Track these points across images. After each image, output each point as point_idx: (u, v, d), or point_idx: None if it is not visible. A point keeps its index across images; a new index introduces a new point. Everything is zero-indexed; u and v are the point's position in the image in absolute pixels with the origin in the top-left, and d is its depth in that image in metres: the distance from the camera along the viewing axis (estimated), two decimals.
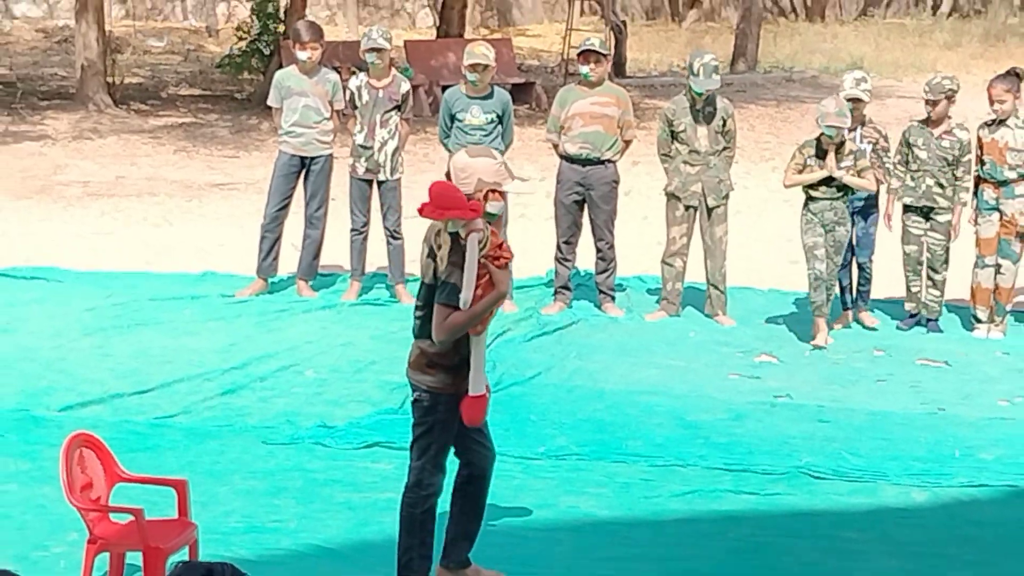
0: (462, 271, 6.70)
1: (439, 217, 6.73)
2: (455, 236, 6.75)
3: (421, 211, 6.80)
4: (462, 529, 7.29)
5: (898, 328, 12.11)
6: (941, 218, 11.77)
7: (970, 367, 11.26)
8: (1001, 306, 11.87)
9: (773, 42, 30.69)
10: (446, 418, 7.01)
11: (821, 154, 10.93)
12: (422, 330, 6.97)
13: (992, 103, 11.69)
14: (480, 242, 6.70)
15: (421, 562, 7.17)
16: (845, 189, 10.99)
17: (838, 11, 37.53)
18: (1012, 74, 11.90)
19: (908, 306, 12.22)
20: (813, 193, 11.05)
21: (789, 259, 13.09)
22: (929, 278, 11.99)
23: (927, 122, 11.85)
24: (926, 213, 11.82)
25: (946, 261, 11.88)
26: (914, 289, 12.14)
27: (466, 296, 6.68)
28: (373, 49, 12.16)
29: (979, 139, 11.81)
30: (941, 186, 11.68)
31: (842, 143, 10.89)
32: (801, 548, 7.98)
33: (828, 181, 10.90)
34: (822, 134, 10.91)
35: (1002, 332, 11.91)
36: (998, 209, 11.58)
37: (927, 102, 11.81)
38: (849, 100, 11.32)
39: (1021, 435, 9.77)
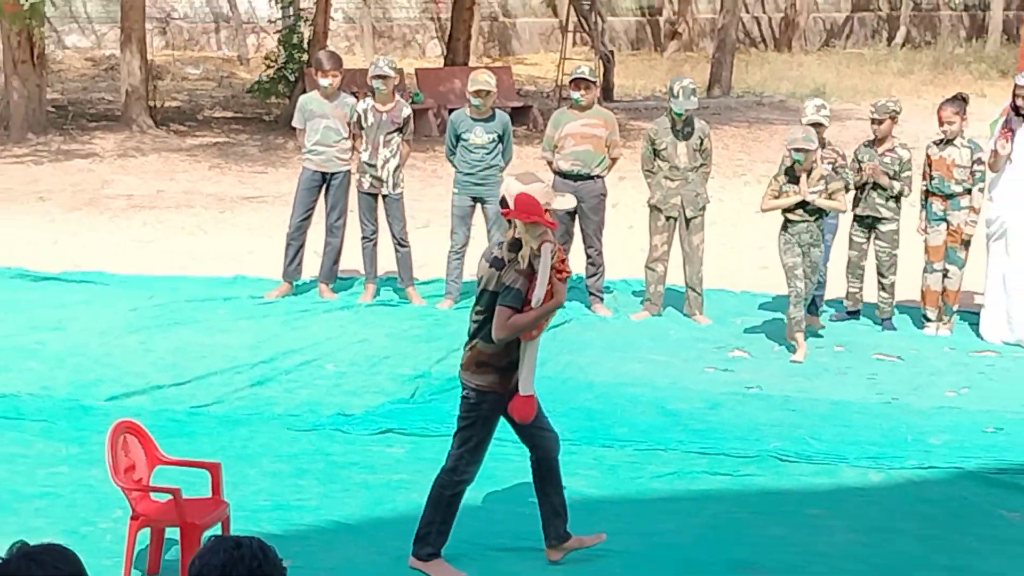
0: (526, 279, 6.78)
1: (524, 219, 6.79)
2: (518, 246, 6.81)
3: (506, 214, 6.90)
4: (551, 507, 7.32)
5: (831, 319, 12.13)
6: (885, 227, 11.78)
7: (921, 361, 11.27)
8: (948, 307, 11.88)
9: (745, 70, 30.66)
10: (489, 415, 7.10)
11: (794, 180, 10.71)
12: (478, 332, 7.03)
13: (941, 124, 11.69)
14: (551, 253, 6.76)
15: (438, 537, 7.22)
16: (819, 212, 10.80)
17: (803, 42, 37.44)
18: (959, 98, 11.91)
19: (847, 303, 12.26)
20: (790, 217, 10.80)
21: (759, 265, 13.10)
22: (879, 283, 12.00)
23: (873, 141, 11.88)
24: (871, 224, 11.83)
25: (893, 266, 11.89)
26: (853, 290, 12.17)
27: (539, 295, 6.76)
28: (379, 76, 12.17)
29: (928, 157, 11.80)
30: (884, 199, 11.70)
31: (812, 169, 10.67)
32: (770, 523, 8.01)
33: (802, 205, 10.69)
34: (794, 161, 10.69)
35: (949, 330, 11.91)
36: (945, 220, 11.59)
37: (873, 121, 11.84)
38: (811, 125, 11.21)
39: (966, 422, 9.80)
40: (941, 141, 11.69)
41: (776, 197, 10.82)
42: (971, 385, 10.71)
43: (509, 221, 6.99)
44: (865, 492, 8.54)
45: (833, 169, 11.26)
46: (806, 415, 9.85)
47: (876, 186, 11.68)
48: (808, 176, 10.57)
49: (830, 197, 10.74)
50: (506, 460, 8.83)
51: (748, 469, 8.81)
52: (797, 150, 10.52)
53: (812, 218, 10.75)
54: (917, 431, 9.54)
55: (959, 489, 8.59)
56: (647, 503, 8.30)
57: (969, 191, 11.55)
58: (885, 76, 30.61)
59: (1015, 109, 11.64)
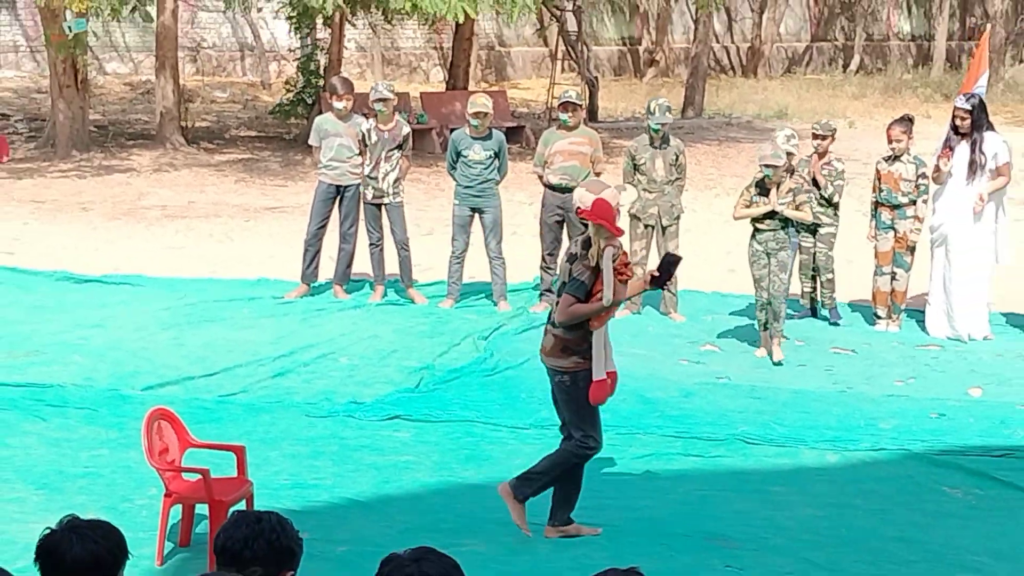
0: (592, 273, 6.90)
1: (596, 221, 6.88)
2: (588, 244, 6.96)
3: (581, 213, 7.03)
4: (563, 494, 7.32)
5: (790, 318, 12.15)
6: (824, 231, 11.78)
7: (872, 355, 11.27)
8: (897, 306, 11.89)
9: (716, 94, 30.64)
10: (585, 394, 7.12)
11: (764, 192, 10.59)
12: (563, 325, 7.10)
13: (890, 142, 11.70)
14: (613, 256, 6.85)
15: (576, 501, 7.32)
16: (787, 221, 10.66)
17: (767, 69, 37.41)
18: (906, 119, 11.94)
19: (802, 302, 12.28)
20: (759, 226, 10.61)
21: (728, 269, 13.10)
22: (821, 280, 12.04)
23: (812, 155, 11.91)
24: (814, 230, 11.83)
25: (830, 264, 11.87)
26: (807, 289, 12.21)
27: (608, 295, 6.84)
28: (380, 99, 12.16)
29: (878, 171, 11.81)
30: (823, 207, 11.72)
31: (781, 182, 10.49)
32: (737, 499, 8.03)
33: (771, 215, 10.54)
34: (764, 176, 10.58)
35: (898, 327, 11.92)
36: (893, 228, 11.60)
37: (815, 136, 11.82)
38: (789, 154, 11.04)
39: (913, 409, 9.80)
40: (890, 157, 11.70)
41: (747, 207, 10.70)
42: (917, 376, 10.75)
43: (584, 223, 7.15)
44: (822, 471, 8.57)
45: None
46: (770, 402, 9.85)
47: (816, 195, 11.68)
48: (777, 189, 10.44)
49: (797, 208, 10.59)
50: (501, 443, 8.88)
51: (718, 451, 8.84)
52: (767, 165, 10.38)
53: (779, 227, 10.63)
54: (869, 417, 9.58)
55: (906, 469, 8.62)
56: (628, 481, 8.32)
57: (914, 202, 11.57)
58: (841, 99, 30.62)
59: (954, 129, 11.67)
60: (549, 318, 7.31)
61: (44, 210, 16.85)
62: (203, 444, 7.38)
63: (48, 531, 3.86)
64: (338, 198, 12.34)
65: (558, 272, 7.25)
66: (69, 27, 20.35)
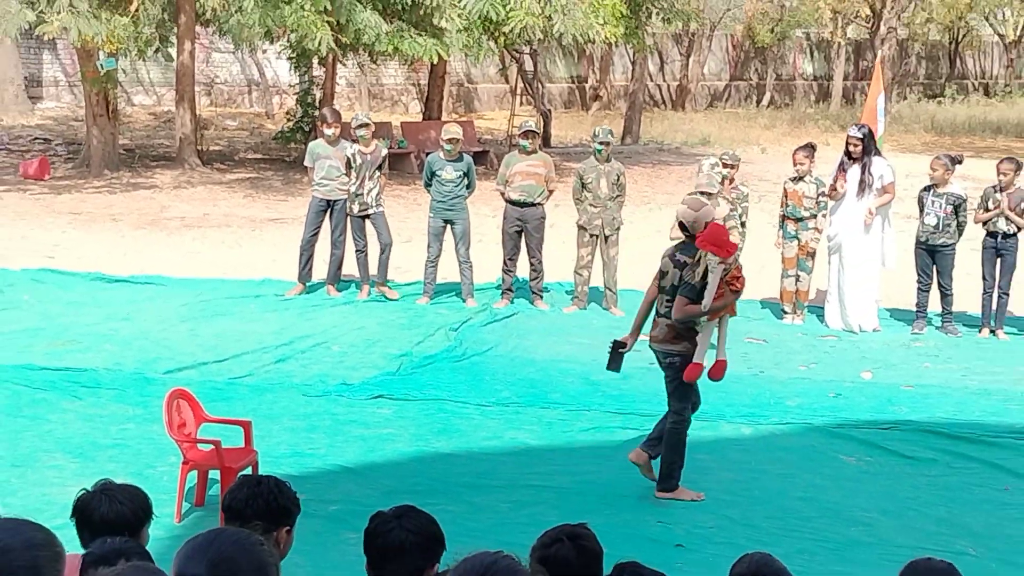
0: (702, 279, 7.18)
1: (708, 248, 7.17)
2: (693, 251, 7.29)
3: (698, 241, 7.25)
4: (657, 439, 7.59)
5: None
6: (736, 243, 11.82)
7: (781, 343, 11.32)
8: (800, 303, 11.95)
9: (650, 124, 30.75)
10: (688, 386, 7.48)
11: None
12: (668, 312, 7.39)
13: (795, 165, 11.77)
14: (724, 271, 7.21)
15: (679, 470, 7.50)
16: None
17: (693, 103, 37.62)
18: (809, 146, 12.02)
19: None
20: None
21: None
22: None
23: (721, 181, 11.84)
24: None
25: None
26: None
27: (707, 302, 7.16)
28: (362, 125, 12.18)
29: (785, 190, 11.86)
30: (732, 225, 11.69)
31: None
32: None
33: None
34: None
35: (802, 320, 11.98)
36: (797, 237, 11.67)
37: (725, 165, 11.67)
38: (703, 194, 10.26)
39: (814, 389, 9.85)
40: (795, 178, 11.74)
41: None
42: (818, 361, 10.79)
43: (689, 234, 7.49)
44: (738, 442, 8.61)
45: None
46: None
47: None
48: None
49: (729, 231, 9.93)
50: (468, 418, 8.88)
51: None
52: (702, 192, 9.64)
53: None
54: (777, 396, 9.61)
55: (808, 439, 8.67)
56: (575, 450, 8.32)
57: (815, 216, 11.63)
58: (754, 129, 30.81)
59: (847, 154, 11.72)
60: (661, 314, 7.52)
61: (80, 221, 16.74)
62: (215, 419, 7.37)
63: (83, 492, 3.85)
64: (328, 210, 12.32)
65: (662, 272, 7.50)
66: (101, 65, 20.24)
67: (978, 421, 9.04)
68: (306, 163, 12.58)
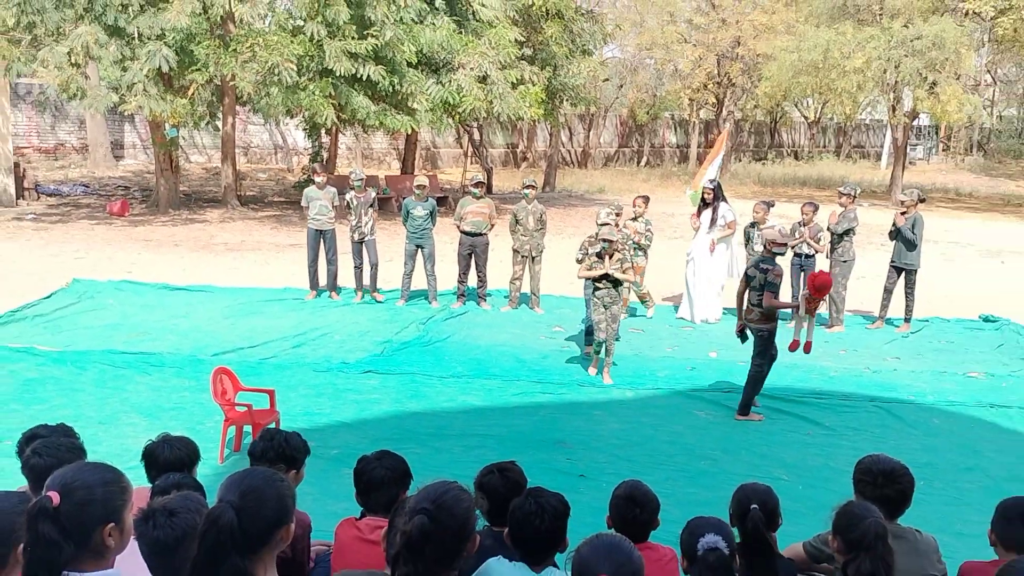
0: (780, 278, 7.90)
1: (819, 296, 8.10)
2: (772, 261, 7.98)
3: (814, 293, 8.03)
4: (748, 396, 8.27)
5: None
6: (639, 262, 11.82)
7: (651, 332, 11.34)
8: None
9: (563, 178, 30.83)
10: (772, 340, 8.10)
11: (601, 259, 8.94)
12: (759, 304, 7.93)
13: (634, 207, 11.67)
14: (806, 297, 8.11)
15: (751, 401, 8.22)
16: (618, 281, 8.96)
17: (593, 163, 37.86)
18: (644, 197, 11.84)
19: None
20: (598, 284, 8.94)
21: (569, 282, 13.14)
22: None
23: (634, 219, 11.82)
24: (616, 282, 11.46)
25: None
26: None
27: (780, 304, 8.03)
28: (359, 179, 12.19)
29: (627, 225, 11.50)
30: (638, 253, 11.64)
31: (614, 253, 8.91)
32: (573, 419, 8.08)
33: (606, 276, 8.89)
34: (602, 248, 8.95)
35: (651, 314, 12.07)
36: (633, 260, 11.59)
37: (617, 214, 11.50)
38: (602, 225, 9.66)
39: (677, 364, 9.87)
40: (633, 218, 11.58)
41: (589, 269, 8.99)
42: (679, 344, 10.85)
43: (772, 252, 8.05)
44: (624, 402, 8.65)
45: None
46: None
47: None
48: (611, 258, 8.89)
49: (624, 272, 8.94)
50: (432, 386, 8.82)
51: (563, 391, 8.87)
52: (604, 239, 8.91)
53: (612, 286, 8.98)
54: (651, 369, 9.67)
55: (672, 400, 8.74)
56: (508, 409, 8.32)
57: (645, 245, 11.53)
58: (635, 182, 30.98)
59: (703, 200, 11.80)
60: (753, 304, 7.99)
61: (151, 246, 16.47)
62: (248, 388, 7.30)
63: (149, 442, 3.79)
64: (321, 237, 12.23)
65: (749, 275, 8.12)
66: (167, 133, 20.06)
67: (789, 386, 9.15)
68: (303, 204, 12.46)
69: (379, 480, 3.56)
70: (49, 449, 3.40)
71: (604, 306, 8.95)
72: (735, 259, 12.07)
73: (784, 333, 8.52)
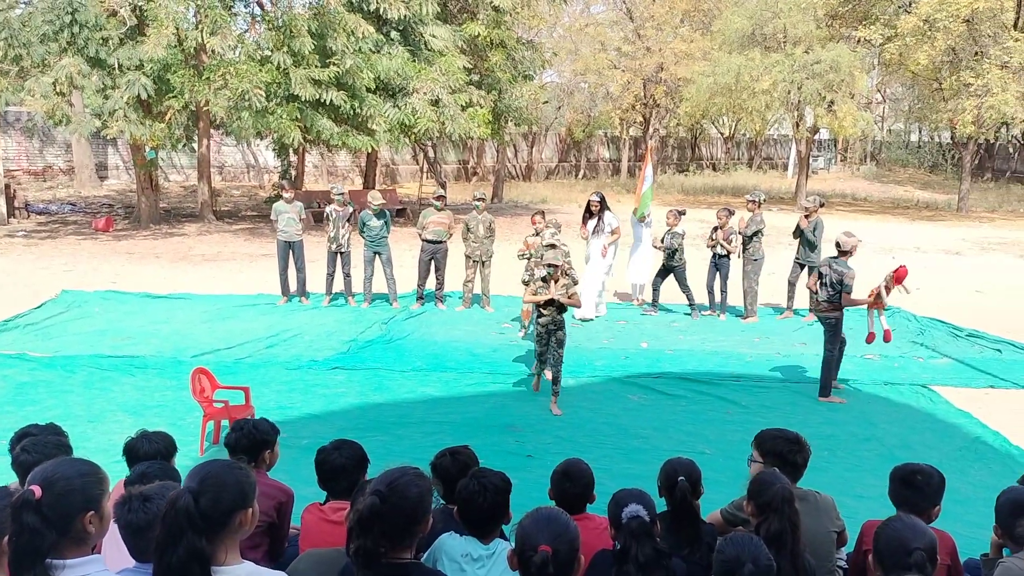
0: (852, 280, 8.01)
1: (897, 283, 8.10)
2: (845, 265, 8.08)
3: (896, 280, 8.08)
4: (825, 377, 8.42)
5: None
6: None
7: (590, 327, 11.34)
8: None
9: (509, 190, 30.81)
10: (840, 328, 8.26)
11: (546, 284, 7.95)
12: (832, 299, 8.10)
13: (533, 225, 10.98)
14: (884, 286, 8.14)
15: (830, 383, 8.40)
16: (563, 306, 7.99)
17: (536, 176, 37.91)
18: (540, 212, 11.36)
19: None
20: (542, 310, 7.99)
21: (516, 283, 13.15)
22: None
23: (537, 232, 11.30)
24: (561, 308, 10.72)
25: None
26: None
27: (855, 299, 8.13)
28: (338, 194, 12.12)
29: (526, 240, 11.11)
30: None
31: (558, 278, 7.97)
32: (522, 405, 8.07)
33: (552, 302, 7.90)
34: (547, 273, 7.99)
35: (605, 311, 12.11)
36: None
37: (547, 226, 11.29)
38: (548, 246, 8.96)
39: (613, 354, 9.92)
40: (532, 235, 11.12)
41: (534, 294, 8.04)
42: (614, 337, 10.87)
43: (843, 252, 8.16)
44: (566, 389, 8.58)
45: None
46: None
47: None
48: (556, 283, 7.97)
49: (569, 297, 7.98)
50: (394, 380, 8.74)
51: (514, 380, 8.86)
52: (549, 265, 8.00)
53: (556, 312, 8.01)
54: (589, 359, 9.69)
55: (608, 386, 8.79)
56: (463, 398, 8.30)
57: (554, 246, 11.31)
58: (573, 193, 31.08)
59: (588, 211, 11.68)
60: (828, 300, 8.12)
61: (133, 258, 16.10)
62: (225, 387, 7.17)
63: (129, 438, 3.71)
64: (290, 248, 12.06)
65: (826, 279, 8.19)
66: (147, 155, 19.67)
67: (711, 371, 9.27)
68: (272, 217, 12.30)
69: (338, 467, 3.52)
70: (37, 446, 3.31)
71: (548, 333, 8.01)
72: (615, 261, 12.10)
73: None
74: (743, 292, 11.82)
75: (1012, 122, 24.19)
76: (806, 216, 11.60)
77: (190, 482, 2.37)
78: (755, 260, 11.66)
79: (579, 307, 9.00)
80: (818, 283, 8.33)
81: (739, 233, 11.73)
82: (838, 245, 8.22)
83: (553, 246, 8.85)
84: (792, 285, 11.92)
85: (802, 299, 12.00)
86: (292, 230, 12.01)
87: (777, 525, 3.04)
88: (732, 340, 10.73)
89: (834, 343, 8.29)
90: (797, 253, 11.84)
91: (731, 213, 11.84)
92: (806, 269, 11.69)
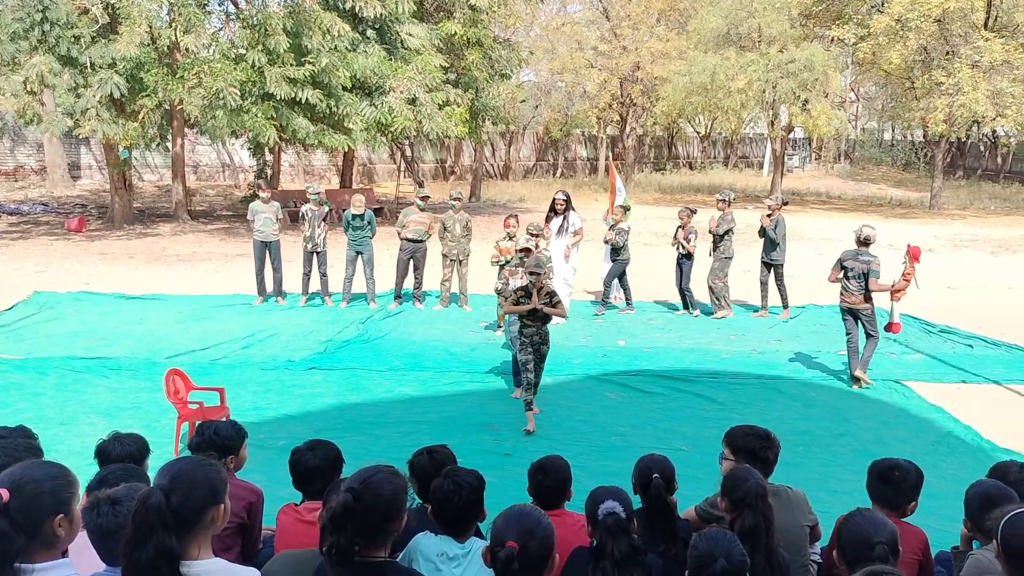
0: (878, 267, 8.41)
1: (915, 261, 8.40)
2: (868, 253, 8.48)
3: (913, 257, 8.41)
4: (865, 356, 8.68)
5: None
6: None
7: (567, 324, 11.25)
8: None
9: (487, 189, 30.81)
10: (875, 317, 8.62)
11: (528, 295, 7.42)
12: (863, 290, 8.46)
13: (506, 228, 10.97)
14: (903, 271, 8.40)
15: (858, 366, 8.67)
16: (546, 317, 7.49)
17: (514, 175, 37.92)
18: (513, 215, 11.12)
19: None
20: (526, 320, 7.49)
21: (490, 283, 13.18)
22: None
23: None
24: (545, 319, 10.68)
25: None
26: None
27: (882, 284, 8.49)
28: (314, 193, 12.01)
29: (497, 244, 11.11)
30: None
31: (541, 287, 7.47)
32: (499, 404, 8.06)
33: (534, 312, 7.41)
34: (529, 282, 7.47)
35: (633, 311, 12.09)
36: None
37: (536, 235, 11.25)
38: (522, 251, 9.02)
39: (590, 352, 9.95)
40: (503, 238, 11.15)
41: (516, 304, 7.51)
42: (592, 335, 10.90)
43: (866, 242, 8.54)
44: (544, 387, 8.48)
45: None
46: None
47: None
48: (539, 292, 7.43)
49: (553, 307, 7.49)
50: (372, 380, 8.69)
51: (489, 379, 8.86)
52: (531, 273, 7.44)
53: (540, 323, 7.52)
54: (568, 357, 9.69)
55: (586, 383, 8.80)
56: (441, 398, 8.28)
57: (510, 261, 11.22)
58: (551, 191, 30.91)
59: (553, 210, 11.41)
60: (863, 290, 8.47)
61: (107, 258, 15.92)
62: (200, 388, 7.10)
63: (101, 440, 3.67)
64: (267, 248, 11.98)
65: (852, 268, 8.52)
66: (120, 154, 19.45)
67: (687, 368, 9.32)
68: (248, 217, 12.21)
69: (312, 468, 3.50)
70: (6, 449, 3.26)
71: (532, 345, 7.52)
72: (579, 265, 12.10)
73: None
74: (708, 289, 11.91)
75: (983, 121, 24.54)
76: (768, 215, 11.68)
77: (161, 480, 2.35)
78: (726, 258, 11.75)
79: (564, 317, 8.31)
80: (843, 278, 8.65)
81: (710, 232, 11.81)
82: (862, 238, 8.58)
83: (528, 250, 8.62)
84: (764, 285, 12.01)
85: (775, 297, 12.10)
86: (269, 230, 11.93)
87: (751, 521, 3.06)
88: (708, 337, 10.79)
89: (876, 329, 8.72)
90: (762, 252, 11.94)
91: (692, 212, 11.91)
92: (772, 269, 11.79)
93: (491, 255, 10.74)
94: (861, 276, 8.49)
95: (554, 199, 11.59)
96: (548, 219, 11.54)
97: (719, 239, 11.72)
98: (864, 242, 8.57)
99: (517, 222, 11.08)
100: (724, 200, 11.75)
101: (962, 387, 8.94)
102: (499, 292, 9.28)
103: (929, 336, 11.03)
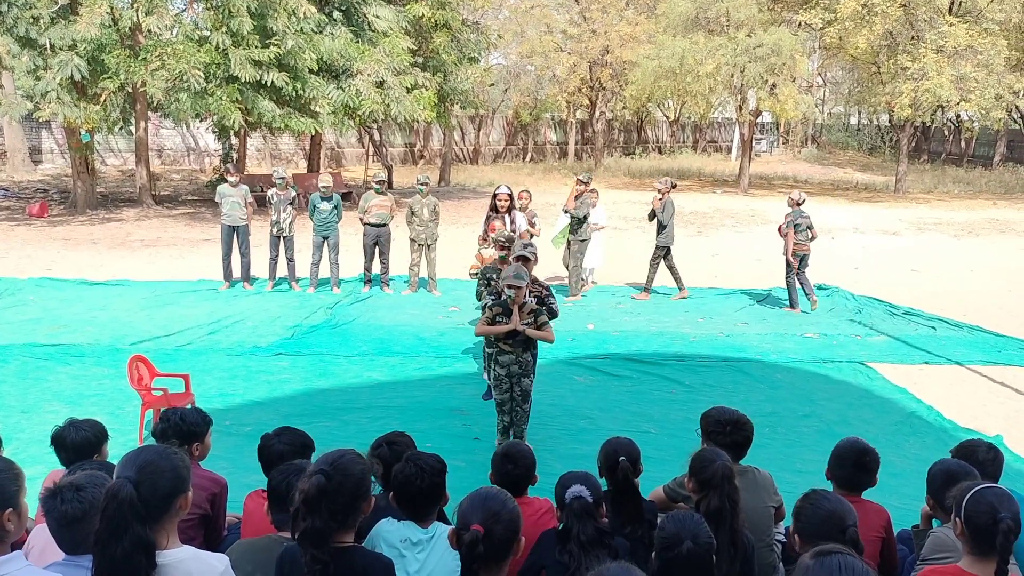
0: None
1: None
2: None
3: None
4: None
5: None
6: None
7: (588, 307, 11.35)
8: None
9: (456, 173, 30.67)
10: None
11: (507, 312, 6.00)
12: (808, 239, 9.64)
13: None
14: None
15: None
16: (528, 341, 6.11)
17: (483, 159, 37.79)
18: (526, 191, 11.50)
19: None
20: (503, 346, 6.05)
21: (463, 266, 13.06)
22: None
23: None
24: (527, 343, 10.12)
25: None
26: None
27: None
28: (280, 177, 11.81)
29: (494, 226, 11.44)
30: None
31: (523, 304, 6.04)
32: (468, 389, 8.03)
33: (514, 334, 5.98)
34: (507, 296, 6.00)
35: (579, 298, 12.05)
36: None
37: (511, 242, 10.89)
38: (518, 259, 6.84)
39: (559, 336, 9.98)
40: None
41: (490, 323, 6.05)
42: (561, 319, 10.82)
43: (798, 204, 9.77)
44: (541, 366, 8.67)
45: (539, 300, 6.61)
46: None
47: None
48: (520, 309, 6.00)
49: (539, 328, 6.03)
50: (339, 366, 8.64)
51: (460, 363, 8.83)
52: (509, 286, 5.96)
53: (521, 349, 6.06)
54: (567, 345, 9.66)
55: (556, 368, 8.76)
56: (411, 382, 8.23)
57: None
58: (520, 176, 31.11)
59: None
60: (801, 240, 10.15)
61: (70, 244, 15.63)
62: (164, 374, 7.00)
63: (56, 427, 3.60)
64: (235, 232, 11.83)
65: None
66: (82, 138, 19.07)
67: (655, 351, 9.36)
68: (216, 200, 12.05)
69: (279, 454, 3.47)
70: None
71: (510, 378, 6.07)
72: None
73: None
74: (568, 271, 11.90)
75: (947, 105, 24.87)
76: (659, 199, 11.68)
77: (126, 471, 2.31)
78: (582, 241, 11.79)
79: (551, 342, 6.20)
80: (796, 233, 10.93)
81: (650, 217, 11.84)
82: (799, 201, 11.05)
83: (504, 259, 7.28)
84: (672, 268, 11.94)
85: (638, 275, 12.17)
86: (236, 214, 11.77)
87: (717, 502, 3.08)
88: (676, 320, 10.86)
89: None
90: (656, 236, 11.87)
91: (663, 192, 11.69)
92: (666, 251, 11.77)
93: (470, 266, 10.35)
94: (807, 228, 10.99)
95: (495, 195, 9.99)
96: (488, 219, 10.04)
97: (661, 227, 11.70)
98: (799, 204, 11.03)
99: (530, 198, 11.13)
100: (662, 188, 11.66)
101: (925, 368, 9.09)
102: (479, 297, 7.69)
103: (893, 318, 11.19)
